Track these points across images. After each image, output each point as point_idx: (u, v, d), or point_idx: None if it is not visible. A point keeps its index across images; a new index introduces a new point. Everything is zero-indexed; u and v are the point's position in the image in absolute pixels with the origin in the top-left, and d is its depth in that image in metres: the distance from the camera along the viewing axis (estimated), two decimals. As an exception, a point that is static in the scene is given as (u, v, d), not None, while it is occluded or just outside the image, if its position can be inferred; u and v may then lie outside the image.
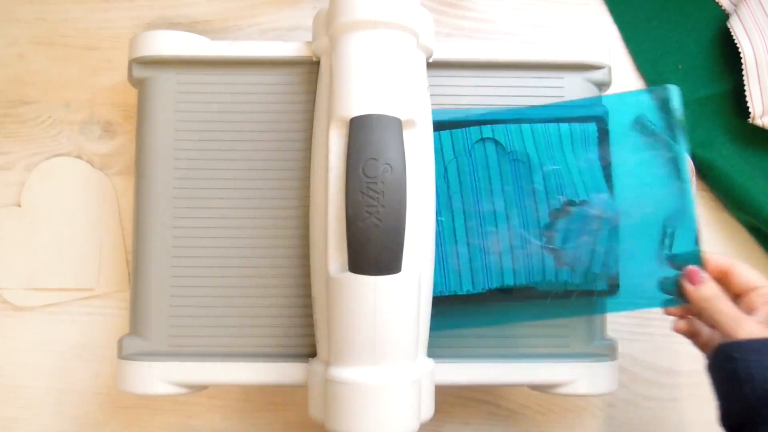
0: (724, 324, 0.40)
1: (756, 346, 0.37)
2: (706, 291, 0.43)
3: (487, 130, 0.53)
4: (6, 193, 0.61)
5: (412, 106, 0.47)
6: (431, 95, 0.52)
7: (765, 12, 0.59)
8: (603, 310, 0.54)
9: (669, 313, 0.48)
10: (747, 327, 0.38)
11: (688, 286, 0.44)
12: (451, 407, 0.60)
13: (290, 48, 0.54)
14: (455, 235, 0.52)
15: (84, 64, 0.62)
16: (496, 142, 0.53)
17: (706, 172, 0.61)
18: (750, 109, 0.59)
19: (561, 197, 0.52)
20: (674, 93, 0.51)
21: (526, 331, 0.54)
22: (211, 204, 0.54)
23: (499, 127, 0.53)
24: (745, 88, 0.59)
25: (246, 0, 0.63)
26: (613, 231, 0.53)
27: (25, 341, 0.60)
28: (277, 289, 0.53)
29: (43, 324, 0.60)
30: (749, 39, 0.59)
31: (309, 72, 0.54)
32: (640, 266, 0.51)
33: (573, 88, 0.55)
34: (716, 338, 0.44)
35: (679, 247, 0.49)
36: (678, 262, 0.46)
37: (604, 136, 0.54)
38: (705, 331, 0.46)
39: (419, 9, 0.49)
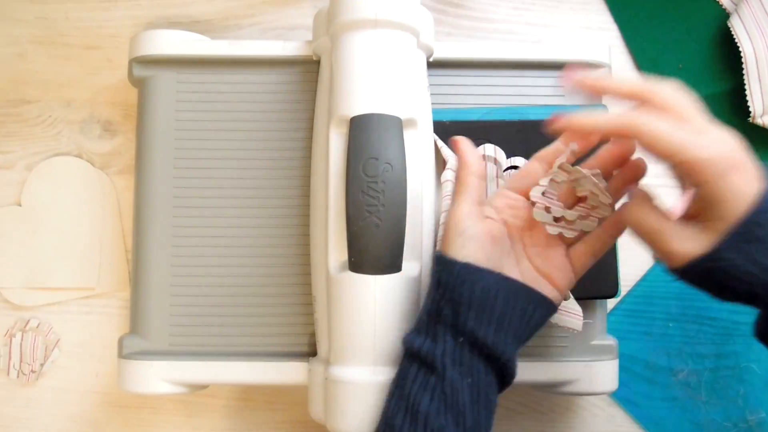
0: (657, 248, 0.39)
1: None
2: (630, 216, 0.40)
3: (484, 130, 0.53)
4: (6, 192, 0.61)
5: (412, 105, 0.47)
6: (431, 95, 0.52)
7: (765, 11, 0.59)
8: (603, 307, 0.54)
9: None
10: (676, 246, 0.38)
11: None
12: (452, 407, 0.60)
13: (290, 47, 0.54)
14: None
15: (84, 64, 0.62)
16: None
17: (706, 172, 0.61)
18: (750, 109, 0.59)
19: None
20: None
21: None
22: (211, 203, 0.54)
23: (496, 126, 0.53)
24: (746, 87, 0.59)
25: (246, -1, 0.63)
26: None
27: (26, 340, 0.60)
28: (278, 289, 0.53)
29: (43, 323, 0.60)
30: (750, 38, 0.59)
31: (309, 71, 0.54)
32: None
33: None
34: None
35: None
36: None
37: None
38: None
39: (419, 8, 0.49)
